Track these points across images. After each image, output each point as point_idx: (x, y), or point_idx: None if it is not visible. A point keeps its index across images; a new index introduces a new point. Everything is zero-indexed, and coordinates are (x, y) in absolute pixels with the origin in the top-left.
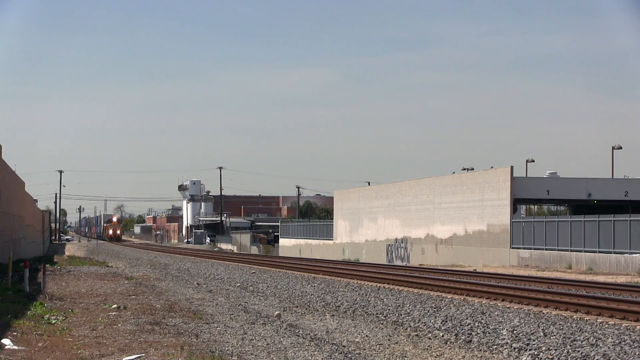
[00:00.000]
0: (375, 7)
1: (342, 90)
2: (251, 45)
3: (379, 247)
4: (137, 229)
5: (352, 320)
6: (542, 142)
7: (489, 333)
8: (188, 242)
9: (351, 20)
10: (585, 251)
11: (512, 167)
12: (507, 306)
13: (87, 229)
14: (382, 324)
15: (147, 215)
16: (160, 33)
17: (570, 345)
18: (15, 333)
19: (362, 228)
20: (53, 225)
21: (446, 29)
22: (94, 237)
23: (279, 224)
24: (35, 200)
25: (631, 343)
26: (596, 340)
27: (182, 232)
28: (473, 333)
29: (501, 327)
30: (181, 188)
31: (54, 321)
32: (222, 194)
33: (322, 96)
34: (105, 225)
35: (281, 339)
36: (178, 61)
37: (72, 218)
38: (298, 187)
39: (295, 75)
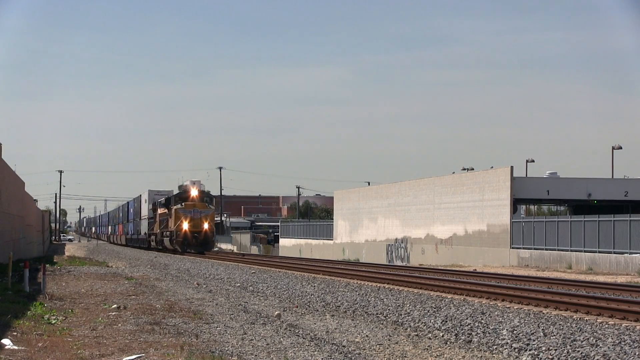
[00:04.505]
0: (384, 4)
1: (343, 90)
2: (252, 44)
3: (379, 247)
4: None
5: (352, 320)
6: (542, 142)
7: (489, 333)
8: None
9: (360, 19)
10: (585, 251)
11: (512, 167)
12: (507, 306)
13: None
14: (382, 324)
15: None
16: (163, 31)
17: (570, 345)
18: (15, 333)
19: (362, 228)
20: (53, 225)
21: (445, 29)
22: (94, 238)
23: (279, 224)
24: (35, 200)
25: (631, 343)
26: (596, 340)
27: None
28: (473, 333)
29: (501, 327)
30: (181, 188)
31: (54, 321)
32: (222, 194)
33: (322, 96)
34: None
35: (281, 339)
36: (179, 60)
37: (72, 218)
38: (298, 187)
39: (298, 74)
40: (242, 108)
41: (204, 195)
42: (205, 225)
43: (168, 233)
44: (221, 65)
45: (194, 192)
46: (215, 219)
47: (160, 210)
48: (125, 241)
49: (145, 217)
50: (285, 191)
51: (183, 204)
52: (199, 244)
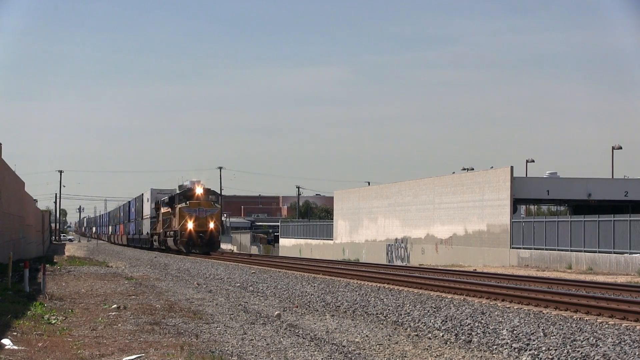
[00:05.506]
0: (385, 4)
1: (343, 90)
2: (252, 44)
3: (379, 247)
4: None
5: (352, 320)
6: (542, 142)
7: (489, 333)
8: None
9: (360, 18)
10: (585, 251)
11: (512, 167)
12: (507, 306)
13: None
14: (382, 324)
15: None
16: (163, 31)
17: (570, 345)
18: (15, 333)
19: (362, 228)
20: (53, 225)
21: (445, 29)
22: (94, 238)
23: (279, 224)
24: (35, 200)
25: (631, 343)
26: (596, 340)
27: None
28: (473, 333)
29: (501, 327)
30: (181, 188)
31: (54, 321)
32: (222, 194)
33: (322, 96)
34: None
35: (281, 339)
36: (179, 60)
37: (72, 218)
38: (298, 187)
39: (298, 74)
40: (242, 108)
41: (209, 193)
42: (211, 225)
43: (172, 233)
44: (221, 65)
45: (199, 190)
46: None
47: (163, 210)
48: (126, 241)
49: (148, 216)
50: (285, 191)
51: (188, 202)
52: (204, 244)
